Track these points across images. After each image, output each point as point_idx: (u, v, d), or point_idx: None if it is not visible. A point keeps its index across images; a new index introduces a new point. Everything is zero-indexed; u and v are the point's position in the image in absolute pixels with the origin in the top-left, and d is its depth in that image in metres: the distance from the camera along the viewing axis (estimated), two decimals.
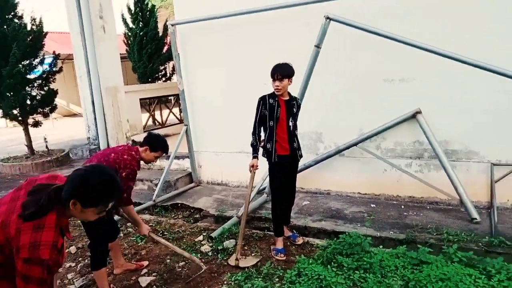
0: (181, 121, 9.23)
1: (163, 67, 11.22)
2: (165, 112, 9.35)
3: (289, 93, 3.46)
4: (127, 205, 3.00)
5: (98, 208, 1.70)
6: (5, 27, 7.38)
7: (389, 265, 3.04)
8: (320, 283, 2.86)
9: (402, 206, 4.31)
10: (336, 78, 4.59)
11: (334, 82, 4.61)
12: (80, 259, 3.72)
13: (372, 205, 4.40)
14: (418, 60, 4.03)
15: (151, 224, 4.43)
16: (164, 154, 3.26)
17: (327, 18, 3.90)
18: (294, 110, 3.45)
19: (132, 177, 2.95)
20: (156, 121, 9.11)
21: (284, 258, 3.41)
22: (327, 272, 2.98)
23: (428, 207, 4.25)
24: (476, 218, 3.72)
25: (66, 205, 1.63)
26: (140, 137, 7.73)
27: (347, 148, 4.61)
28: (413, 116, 4.24)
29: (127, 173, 2.90)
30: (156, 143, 3.13)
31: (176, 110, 9.56)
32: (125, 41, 11.09)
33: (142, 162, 3.13)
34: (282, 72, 3.27)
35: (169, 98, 9.67)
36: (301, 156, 3.60)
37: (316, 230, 3.96)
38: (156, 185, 5.40)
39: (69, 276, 3.41)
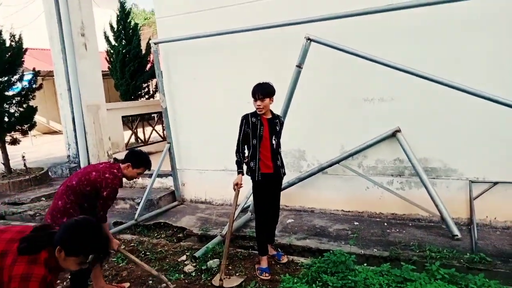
0: (164, 138, 9.15)
1: (146, 84, 11.19)
2: (148, 129, 9.28)
3: (271, 111, 3.49)
4: (103, 223, 2.94)
5: (79, 258, 1.78)
6: None
7: (373, 283, 3.04)
8: None
9: (385, 223, 4.36)
10: (318, 96, 4.68)
11: (316, 100, 4.69)
12: (58, 281, 3.58)
13: (356, 223, 4.43)
14: (397, 80, 4.14)
15: (132, 244, 4.32)
16: (146, 171, 3.22)
17: (308, 39, 3.99)
18: (277, 128, 3.48)
19: (112, 197, 2.91)
20: (138, 139, 9.01)
21: (269, 277, 3.37)
22: None
23: (410, 224, 4.30)
24: (457, 235, 3.78)
25: (54, 250, 1.74)
26: (122, 155, 7.57)
27: (330, 165, 4.66)
28: (393, 135, 4.34)
29: (108, 193, 2.86)
30: (139, 160, 3.09)
31: (159, 127, 9.49)
32: (107, 58, 11.04)
33: (124, 179, 3.09)
34: (263, 91, 3.30)
35: (152, 115, 9.61)
36: (284, 174, 3.62)
37: (300, 249, 3.95)
38: (138, 204, 5.30)
39: None
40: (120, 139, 8.22)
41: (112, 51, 10.78)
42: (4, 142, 7.69)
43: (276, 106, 3.60)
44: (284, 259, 3.68)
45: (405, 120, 4.31)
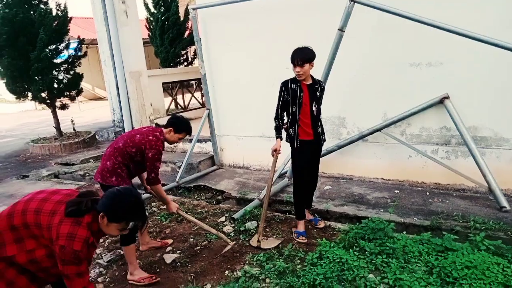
0: (203, 105, 9.29)
1: (184, 51, 11.25)
2: (187, 96, 9.42)
3: (312, 77, 3.40)
4: (155, 185, 3.08)
5: (120, 225, 1.91)
6: (31, 12, 7.55)
7: (412, 251, 3.01)
8: (342, 266, 2.87)
9: (427, 193, 4.24)
10: (361, 62, 4.49)
11: (358, 66, 4.51)
12: (107, 235, 3.85)
13: (396, 191, 4.35)
14: (447, 43, 3.89)
15: (178, 206, 4.52)
16: (187, 136, 3.30)
17: (351, 0, 3.79)
18: (318, 94, 3.39)
19: (158, 158, 3.01)
20: (178, 105, 9.20)
21: (306, 241, 3.43)
22: (349, 256, 2.99)
23: (454, 194, 4.15)
24: (505, 207, 3.61)
25: (98, 216, 1.87)
26: (163, 121, 7.83)
27: (371, 133, 4.54)
28: (441, 102, 4.12)
29: (153, 154, 2.97)
30: (180, 125, 3.16)
31: (198, 94, 9.61)
32: (147, 26, 11.15)
33: (166, 144, 3.19)
34: (302, 57, 3.19)
35: (191, 82, 9.72)
36: (324, 140, 3.56)
37: (338, 215, 3.96)
38: (179, 167, 5.50)
39: (98, 251, 3.54)
40: (161, 105, 8.42)
41: (151, 18, 10.86)
42: (55, 107, 8.16)
43: (316, 71, 3.50)
44: (321, 224, 3.71)
45: (454, 86, 4.06)
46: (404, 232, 3.43)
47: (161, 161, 3.19)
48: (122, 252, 3.39)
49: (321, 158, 3.75)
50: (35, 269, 1.89)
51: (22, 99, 8.14)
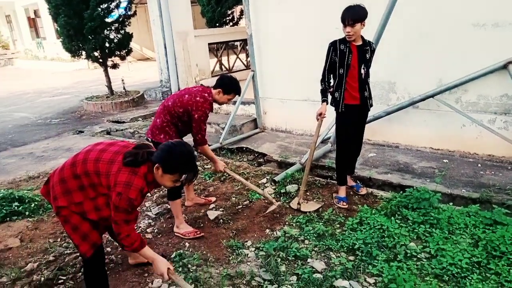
0: (247, 67, 9.23)
1: (230, 11, 11.08)
2: (232, 57, 9.38)
3: (362, 37, 3.22)
4: (202, 145, 3.17)
5: (174, 176, 1.99)
6: None
7: (458, 222, 2.93)
8: (382, 232, 2.86)
9: (479, 165, 4.02)
10: (416, 21, 4.19)
11: (413, 26, 4.22)
12: (155, 190, 4.08)
13: (445, 161, 4.16)
14: None
15: (226, 165, 4.65)
16: (236, 97, 3.32)
17: None
18: (367, 56, 3.23)
19: (203, 119, 3.05)
20: (223, 66, 9.21)
21: (346, 206, 3.43)
22: (390, 223, 2.96)
23: (509, 167, 3.91)
24: None
25: (153, 167, 1.96)
26: (208, 82, 7.94)
27: (423, 99, 4.31)
28: (504, 67, 3.79)
29: (199, 115, 3.01)
30: (230, 86, 3.16)
31: (242, 56, 9.53)
32: None
33: (215, 105, 3.21)
34: (354, 16, 3.01)
35: (236, 43, 9.64)
36: (371, 105, 3.44)
37: (380, 182, 3.89)
38: (222, 128, 5.60)
39: (147, 204, 3.79)
40: (206, 67, 8.48)
41: None
42: (106, 66, 8.49)
43: (367, 31, 3.31)
44: (363, 191, 3.67)
45: None
46: (451, 204, 3.32)
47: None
48: (169, 206, 3.60)
49: (367, 124, 3.64)
50: (97, 217, 2.05)
51: (76, 57, 8.53)
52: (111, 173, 1.94)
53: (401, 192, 3.45)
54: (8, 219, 3.51)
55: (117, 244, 2.85)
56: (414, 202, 3.16)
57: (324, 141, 4.84)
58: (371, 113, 4.17)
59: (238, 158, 5.09)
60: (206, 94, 3.09)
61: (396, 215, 3.12)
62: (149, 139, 3.18)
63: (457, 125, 4.25)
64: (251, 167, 4.57)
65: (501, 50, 3.79)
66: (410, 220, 3.01)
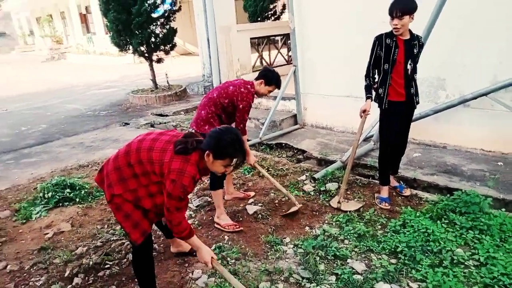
0: (288, 62, 9.15)
1: (273, 5, 11.03)
2: (273, 52, 9.34)
3: (410, 31, 3.09)
4: (242, 135, 3.20)
5: (225, 161, 2.05)
6: None
7: (511, 229, 2.75)
8: (427, 236, 2.74)
9: None
10: (469, 13, 3.94)
11: (465, 17, 3.97)
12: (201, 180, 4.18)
13: (499, 163, 3.92)
14: None
15: (257, 160, 4.68)
16: (276, 90, 3.37)
17: None
18: (415, 51, 3.09)
19: (247, 110, 3.15)
20: (264, 61, 9.20)
21: (389, 207, 3.32)
22: (436, 227, 2.84)
23: None
24: None
25: (203, 154, 2.03)
26: (249, 77, 7.96)
27: (475, 98, 4.06)
28: None
29: (244, 105, 3.11)
30: (272, 78, 3.22)
31: (283, 51, 9.47)
32: None
33: (254, 99, 3.27)
34: (403, 7, 2.89)
35: (276, 38, 9.59)
36: (417, 103, 3.29)
37: (426, 184, 3.73)
38: (262, 124, 5.61)
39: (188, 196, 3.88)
40: (248, 62, 8.50)
41: None
42: (151, 61, 8.77)
43: (416, 25, 3.17)
44: (407, 192, 3.54)
45: None
46: (503, 209, 3.12)
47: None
48: (209, 199, 3.68)
49: (412, 123, 3.50)
50: (150, 204, 2.14)
51: (124, 52, 8.87)
52: (164, 161, 2.02)
53: (448, 195, 3.29)
54: (60, 204, 3.74)
55: (161, 233, 2.96)
56: (462, 206, 3.01)
57: (366, 139, 4.71)
58: (417, 111, 3.99)
59: (277, 154, 5.08)
60: (248, 86, 3.19)
61: (443, 219, 2.98)
62: (194, 130, 3.27)
63: None
64: (290, 163, 4.54)
65: None
66: (457, 225, 2.87)
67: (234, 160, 2.06)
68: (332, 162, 4.34)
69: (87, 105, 9.03)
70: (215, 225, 3.23)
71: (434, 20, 3.68)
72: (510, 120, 3.95)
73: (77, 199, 3.81)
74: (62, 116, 8.09)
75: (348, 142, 4.93)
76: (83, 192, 3.91)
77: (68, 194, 3.82)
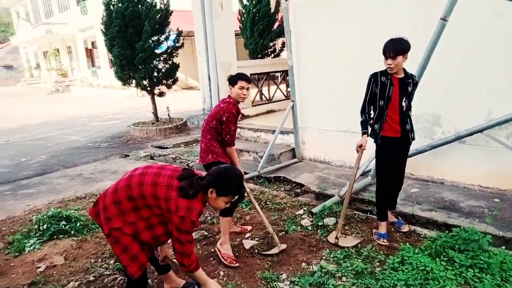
0: (287, 97, 9.33)
1: (273, 43, 11.38)
2: (272, 88, 9.55)
3: (404, 70, 3.19)
4: (230, 146, 3.29)
5: (227, 198, 2.15)
6: (139, 6, 8.33)
7: None
8: (426, 274, 2.69)
9: None
10: (464, 52, 4.08)
11: (460, 57, 4.11)
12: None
13: (496, 200, 3.90)
14: None
15: (254, 193, 4.66)
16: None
17: None
18: (409, 89, 3.19)
19: (231, 120, 3.17)
20: (263, 96, 9.38)
21: (387, 243, 3.28)
22: (435, 265, 2.79)
23: None
24: None
25: (206, 191, 2.12)
26: (248, 111, 8.11)
27: (470, 134, 4.11)
28: None
29: (227, 117, 3.15)
30: (235, 77, 3.29)
31: (282, 86, 9.68)
32: (239, 18, 11.51)
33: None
34: (395, 48, 3.01)
35: (276, 74, 9.84)
36: (413, 138, 3.35)
37: (424, 220, 3.70)
38: (261, 157, 5.64)
39: None
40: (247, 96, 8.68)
41: (243, 10, 11.18)
42: (153, 94, 8.95)
43: (411, 63, 3.28)
44: (405, 228, 3.50)
45: None
46: (503, 247, 3.08)
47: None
48: (205, 233, 3.64)
49: (409, 158, 3.53)
50: (149, 237, 2.16)
51: (127, 85, 9.08)
52: (171, 198, 2.08)
53: (446, 231, 3.26)
54: (55, 236, 3.70)
55: (153, 268, 2.91)
56: (461, 244, 2.97)
57: (364, 174, 4.72)
58: (414, 147, 4.05)
59: (275, 187, 5.07)
60: (227, 99, 3.29)
61: (442, 256, 2.94)
62: (202, 165, 3.36)
63: (509, 163, 3.99)
64: (288, 197, 4.53)
65: None
66: (457, 263, 2.82)
67: (236, 197, 2.17)
68: (330, 196, 4.33)
69: (88, 137, 9.11)
70: (216, 248, 3.23)
71: (427, 60, 3.80)
72: (506, 157, 3.98)
73: (72, 232, 3.77)
74: (63, 147, 8.14)
75: (346, 176, 4.94)
76: (78, 224, 3.87)
77: (63, 226, 3.78)
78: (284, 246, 3.29)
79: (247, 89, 3.30)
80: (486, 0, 3.43)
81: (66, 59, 27.57)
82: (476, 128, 4.05)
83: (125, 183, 2.16)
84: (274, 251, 3.23)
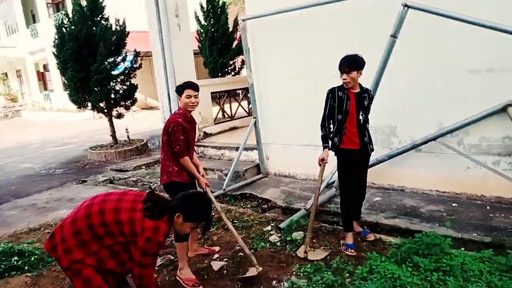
0: (249, 114, 9.38)
1: (232, 61, 11.49)
2: (234, 105, 9.58)
3: (360, 85, 3.32)
4: (182, 157, 3.13)
5: (193, 224, 2.15)
6: (94, 28, 8.13)
7: (472, 269, 2.82)
8: (394, 282, 2.74)
9: (488, 207, 3.95)
10: (414, 68, 4.32)
11: (411, 72, 4.34)
12: None
13: (453, 204, 4.09)
14: (509, 48, 3.63)
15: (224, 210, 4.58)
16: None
17: (405, 5, 3.67)
18: (365, 103, 3.31)
19: (177, 129, 3.07)
20: (225, 114, 9.38)
21: (355, 253, 3.32)
22: (402, 272, 2.84)
23: None
24: None
25: (173, 215, 2.09)
26: (211, 129, 8.05)
27: (424, 143, 4.33)
28: (503, 109, 3.84)
29: (172, 126, 3.08)
30: (180, 86, 3.24)
31: (244, 103, 9.74)
32: (198, 37, 11.54)
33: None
34: (350, 64, 3.14)
35: (237, 92, 9.90)
36: (372, 150, 3.46)
37: (388, 228, 3.80)
38: (226, 175, 5.59)
39: None
40: (209, 114, 8.62)
41: (201, 30, 11.23)
42: (111, 116, 8.68)
43: (367, 78, 3.41)
44: (371, 237, 3.58)
45: None
46: (462, 249, 3.21)
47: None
48: (171, 257, 3.51)
49: (370, 168, 3.64)
50: (114, 264, 2.07)
51: (82, 108, 8.74)
52: (136, 220, 2.02)
53: (410, 237, 3.35)
54: (6, 274, 3.40)
55: None
56: (424, 248, 3.06)
57: (328, 186, 4.80)
58: (374, 157, 4.19)
59: (242, 204, 5.02)
60: (177, 111, 3.28)
61: (407, 262, 3.00)
62: (161, 186, 3.32)
63: (461, 168, 4.23)
64: (255, 214, 4.49)
65: (499, 93, 3.86)
66: (422, 268, 2.90)
67: (202, 223, 2.16)
68: (297, 210, 4.34)
69: (42, 164, 8.62)
70: (177, 277, 3.13)
71: (380, 74, 3.98)
72: (458, 162, 4.21)
73: (26, 267, 3.49)
74: (13, 176, 7.64)
75: (311, 189, 4.99)
76: (33, 259, 3.60)
77: (15, 262, 3.49)
78: (260, 269, 3.11)
79: (195, 96, 3.21)
80: (432, 18, 3.66)
81: (16, 83, 26.20)
82: (430, 136, 4.27)
83: (85, 212, 2.06)
84: (252, 273, 3.10)
